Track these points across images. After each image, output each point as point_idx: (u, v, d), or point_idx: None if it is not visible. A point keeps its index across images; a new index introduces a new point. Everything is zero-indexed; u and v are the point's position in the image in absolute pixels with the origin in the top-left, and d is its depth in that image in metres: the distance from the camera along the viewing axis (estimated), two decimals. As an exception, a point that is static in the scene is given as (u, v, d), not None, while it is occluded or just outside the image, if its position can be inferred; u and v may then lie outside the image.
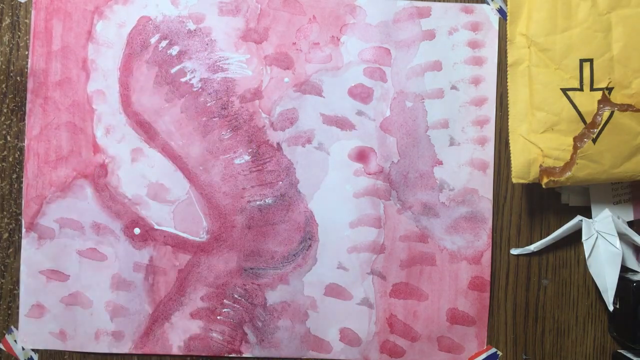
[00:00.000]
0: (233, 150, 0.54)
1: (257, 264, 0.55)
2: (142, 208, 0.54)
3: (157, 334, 0.54)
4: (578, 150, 0.49)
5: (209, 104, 0.54)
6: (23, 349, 0.54)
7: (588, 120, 0.49)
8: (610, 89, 0.49)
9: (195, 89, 0.54)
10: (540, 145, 0.50)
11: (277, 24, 0.54)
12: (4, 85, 0.54)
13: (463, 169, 0.55)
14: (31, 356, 0.54)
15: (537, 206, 0.56)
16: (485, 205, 0.55)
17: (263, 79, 0.54)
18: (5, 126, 0.54)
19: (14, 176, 0.54)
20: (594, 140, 0.49)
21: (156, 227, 0.54)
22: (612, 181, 0.51)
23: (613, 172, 0.49)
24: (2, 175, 0.54)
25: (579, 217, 0.53)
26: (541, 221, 0.56)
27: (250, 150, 0.54)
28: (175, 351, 0.55)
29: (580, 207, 0.55)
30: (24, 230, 0.54)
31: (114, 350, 0.54)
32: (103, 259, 0.54)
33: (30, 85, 0.54)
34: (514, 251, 0.56)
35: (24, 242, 0.54)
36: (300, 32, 0.55)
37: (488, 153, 0.55)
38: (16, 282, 0.54)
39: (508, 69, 0.51)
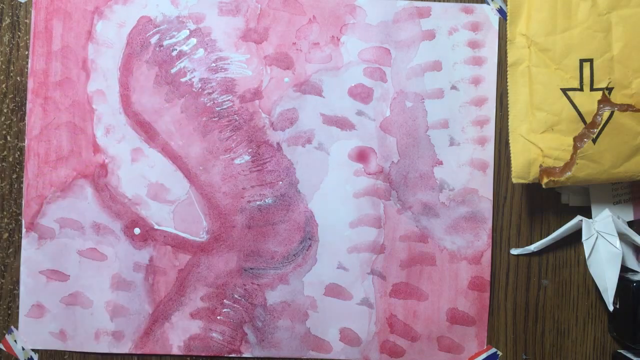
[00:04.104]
0: (233, 150, 0.54)
1: (257, 264, 0.55)
2: (142, 208, 0.54)
3: (157, 334, 0.54)
4: (578, 150, 0.49)
5: (209, 104, 0.54)
6: (23, 349, 0.54)
7: (588, 120, 0.49)
8: (610, 89, 0.49)
9: (195, 89, 0.54)
10: (540, 145, 0.50)
11: (277, 24, 0.54)
12: (4, 85, 0.54)
13: (463, 169, 0.55)
14: (31, 356, 0.54)
15: (537, 206, 0.56)
16: (485, 205, 0.55)
17: (263, 79, 0.54)
18: (5, 126, 0.54)
19: (14, 176, 0.54)
20: (594, 140, 0.49)
21: (156, 227, 0.54)
22: (612, 181, 0.51)
23: (613, 172, 0.49)
24: (2, 175, 0.54)
25: (579, 217, 0.53)
26: (541, 221, 0.56)
27: (250, 150, 0.54)
28: (175, 351, 0.55)
29: (580, 207, 0.55)
30: (24, 230, 0.54)
31: (114, 350, 0.54)
32: (103, 259, 0.54)
33: (30, 85, 0.54)
34: (514, 251, 0.56)
35: (24, 242, 0.54)
36: (300, 32, 0.55)
37: (488, 153, 0.55)
38: (16, 282, 0.54)
39: (508, 69, 0.51)
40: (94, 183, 0.54)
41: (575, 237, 0.55)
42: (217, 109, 0.54)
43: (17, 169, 0.54)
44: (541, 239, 0.55)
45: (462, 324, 0.55)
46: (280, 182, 0.55)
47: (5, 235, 0.54)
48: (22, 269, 0.54)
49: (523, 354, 0.56)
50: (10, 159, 0.54)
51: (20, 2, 0.54)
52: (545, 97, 0.50)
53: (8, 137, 0.54)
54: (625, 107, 0.49)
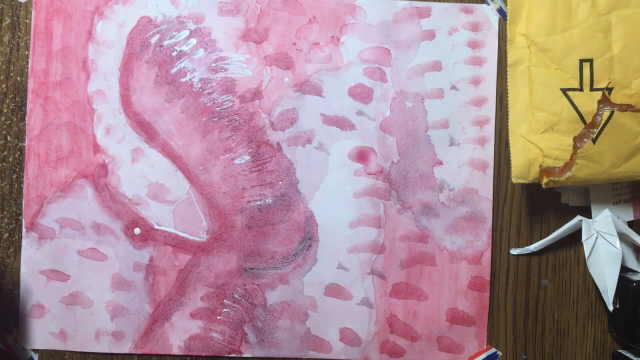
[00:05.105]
0: (233, 150, 0.54)
1: (257, 264, 0.55)
2: (142, 208, 0.54)
3: (157, 334, 0.54)
4: (578, 150, 0.49)
5: (209, 104, 0.54)
6: (23, 349, 0.54)
7: (588, 120, 0.49)
8: (610, 89, 0.49)
9: (195, 89, 0.54)
10: (540, 145, 0.50)
11: (277, 24, 0.54)
12: (4, 85, 0.54)
13: (463, 169, 0.55)
14: (31, 356, 0.54)
15: (537, 206, 0.56)
16: (485, 205, 0.55)
17: (263, 79, 0.54)
18: (5, 126, 0.54)
19: (14, 176, 0.54)
20: (594, 140, 0.49)
21: (156, 227, 0.54)
22: (612, 181, 0.51)
23: (613, 172, 0.49)
24: (2, 175, 0.54)
25: (579, 217, 0.53)
26: (541, 221, 0.56)
27: (250, 150, 0.54)
28: (175, 351, 0.55)
29: (580, 207, 0.55)
30: (24, 230, 0.54)
31: (114, 350, 0.54)
32: (103, 259, 0.54)
33: (30, 85, 0.54)
34: (514, 251, 0.56)
35: (24, 242, 0.54)
36: (300, 32, 0.55)
37: (488, 153, 0.55)
38: (16, 282, 0.54)
39: (508, 69, 0.51)
40: (94, 183, 0.54)
41: (575, 237, 0.55)
42: (217, 109, 0.54)
43: (17, 169, 0.54)
44: (541, 239, 0.55)
45: (462, 324, 0.55)
46: (280, 182, 0.55)
47: (6, 235, 0.54)
48: (22, 269, 0.54)
49: (523, 354, 0.56)
50: (10, 159, 0.54)
51: (20, 2, 0.54)
52: (545, 97, 0.50)
53: (8, 137, 0.54)
54: (625, 107, 0.49)
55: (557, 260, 0.56)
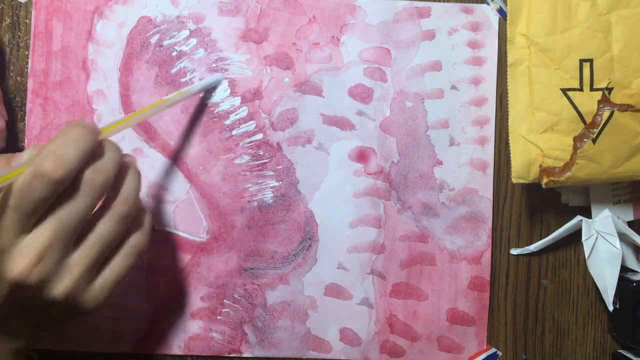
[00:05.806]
0: (233, 150, 0.54)
1: (257, 264, 0.55)
2: (142, 208, 0.54)
3: (157, 334, 0.54)
4: (578, 150, 0.49)
5: (209, 104, 0.54)
6: (23, 349, 0.54)
7: (588, 120, 0.49)
8: (610, 89, 0.49)
9: (195, 89, 0.54)
10: (540, 145, 0.50)
11: (277, 24, 0.54)
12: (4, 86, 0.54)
13: (463, 169, 0.55)
14: (32, 356, 0.54)
15: (537, 206, 0.56)
16: (485, 205, 0.55)
17: (263, 79, 0.54)
18: (5, 126, 0.54)
19: (14, 176, 0.54)
20: (594, 140, 0.49)
21: (156, 227, 0.54)
22: (612, 181, 0.51)
23: (613, 172, 0.49)
24: (2, 175, 0.54)
25: (579, 217, 0.53)
26: (541, 221, 0.56)
27: (250, 150, 0.54)
28: (175, 351, 0.55)
29: (580, 207, 0.55)
30: (24, 230, 0.54)
31: (114, 350, 0.54)
32: (103, 259, 0.54)
33: (30, 85, 0.54)
34: (514, 251, 0.56)
35: (24, 242, 0.54)
36: (300, 32, 0.55)
37: (488, 153, 0.55)
38: (16, 282, 0.54)
39: (508, 69, 0.51)
40: (94, 183, 0.54)
41: (575, 237, 0.55)
42: (217, 109, 0.54)
43: (17, 169, 0.54)
44: (541, 239, 0.55)
45: (462, 324, 0.55)
46: (280, 182, 0.55)
47: (6, 235, 0.54)
48: (22, 269, 0.54)
49: (523, 354, 0.56)
50: (11, 159, 0.54)
51: (20, 2, 0.54)
52: (545, 97, 0.50)
53: (8, 137, 0.54)
54: (625, 107, 0.49)
55: (557, 260, 0.56)
